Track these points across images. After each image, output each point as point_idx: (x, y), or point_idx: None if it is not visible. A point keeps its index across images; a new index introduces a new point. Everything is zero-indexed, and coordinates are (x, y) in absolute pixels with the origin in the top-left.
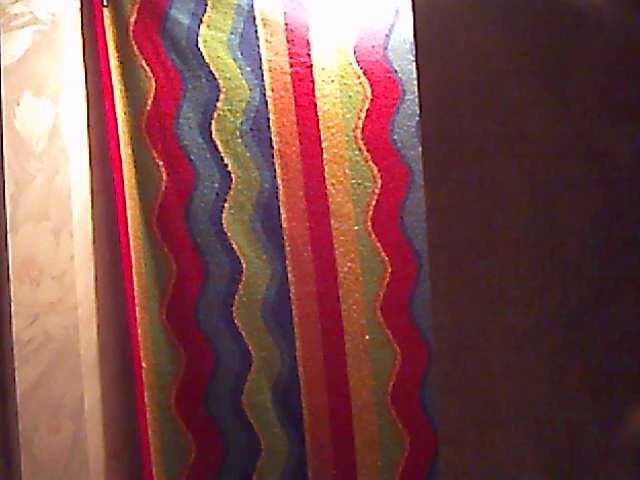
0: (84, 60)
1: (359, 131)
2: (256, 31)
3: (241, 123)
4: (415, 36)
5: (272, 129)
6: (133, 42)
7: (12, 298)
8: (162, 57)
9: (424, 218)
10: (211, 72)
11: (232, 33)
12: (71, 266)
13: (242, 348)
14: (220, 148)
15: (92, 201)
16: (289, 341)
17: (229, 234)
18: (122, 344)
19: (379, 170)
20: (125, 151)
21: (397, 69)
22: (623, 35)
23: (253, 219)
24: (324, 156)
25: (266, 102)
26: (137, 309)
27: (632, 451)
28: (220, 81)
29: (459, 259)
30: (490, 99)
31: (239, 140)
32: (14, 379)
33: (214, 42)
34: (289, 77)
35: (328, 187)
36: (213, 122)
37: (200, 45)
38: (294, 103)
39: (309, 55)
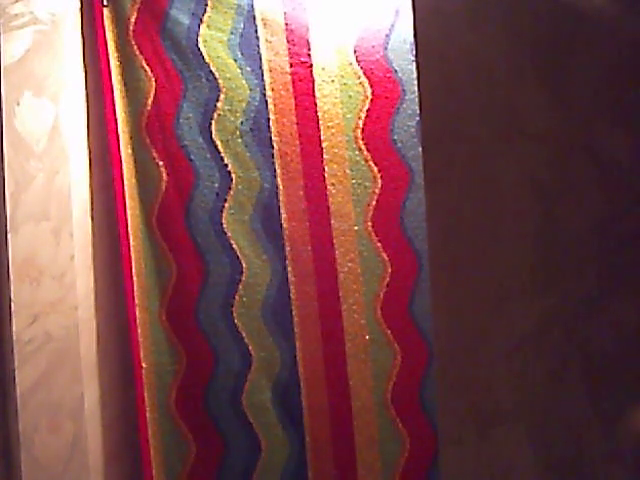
0: (84, 60)
1: (359, 131)
2: (256, 31)
3: (241, 123)
4: (415, 36)
5: (272, 129)
6: (133, 42)
7: (12, 298)
8: (162, 57)
9: (424, 218)
10: (211, 72)
11: (232, 33)
12: (71, 266)
13: (242, 348)
14: (220, 148)
15: (92, 201)
16: (289, 341)
17: (229, 234)
18: (122, 344)
19: (379, 170)
20: (125, 151)
21: (397, 69)
22: (623, 35)
23: (253, 219)
24: (324, 156)
25: (266, 102)
26: (137, 309)
27: (632, 451)
28: (220, 81)
29: (459, 259)
30: (490, 99)
31: (239, 140)
32: (14, 379)
33: (214, 42)
34: (289, 77)
35: (328, 187)
36: (213, 122)
37: (200, 45)
38: (294, 103)
39: (309, 55)
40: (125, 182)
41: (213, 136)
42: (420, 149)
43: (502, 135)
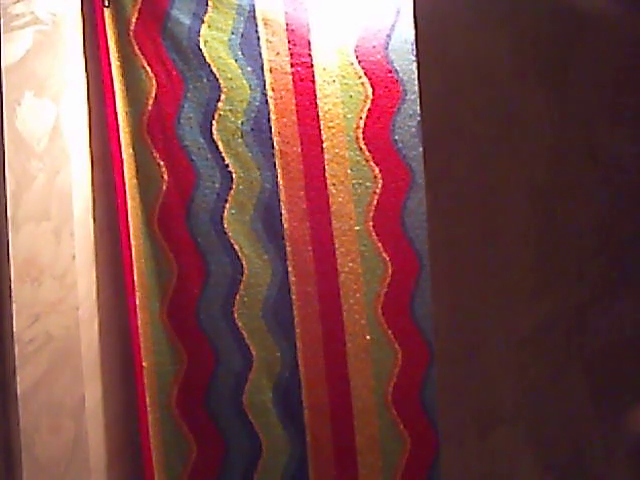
0: (85, 60)
1: (360, 131)
2: (257, 31)
3: (242, 123)
4: (416, 36)
5: (273, 129)
6: (134, 42)
7: (13, 298)
8: (163, 57)
9: (425, 218)
10: (212, 72)
11: (233, 33)
12: (72, 266)
13: (243, 348)
14: (221, 148)
15: (93, 201)
16: (290, 341)
17: (230, 234)
18: (123, 344)
19: (380, 170)
20: (126, 151)
21: (398, 69)
22: (624, 36)
23: (254, 219)
24: (325, 156)
25: (267, 102)
26: (138, 309)
27: (632, 451)
28: (221, 81)
29: (460, 259)
30: (491, 99)
31: (240, 140)
32: (15, 379)
33: (215, 42)
34: (290, 77)
35: (329, 187)
36: (214, 122)
37: (201, 45)
38: (295, 103)
39: (310, 55)
40: (126, 182)
41: (214, 136)
42: (421, 149)
43: (503, 135)
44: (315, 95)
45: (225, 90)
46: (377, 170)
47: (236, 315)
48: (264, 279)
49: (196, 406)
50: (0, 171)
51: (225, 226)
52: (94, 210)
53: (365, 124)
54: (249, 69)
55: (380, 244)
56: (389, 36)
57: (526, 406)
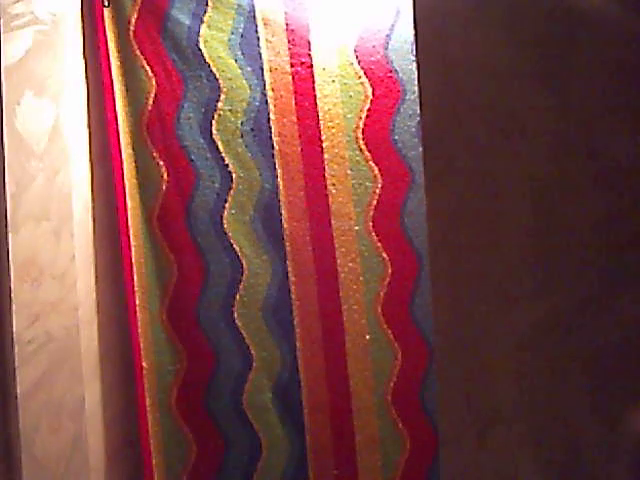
0: (85, 60)
1: (360, 131)
2: (257, 31)
3: (242, 123)
4: (415, 36)
5: (273, 129)
6: (134, 42)
7: (13, 298)
8: (163, 57)
9: (425, 218)
10: (212, 72)
11: (233, 33)
12: (72, 266)
13: (243, 348)
14: (221, 148)
15: (93, 201)
16: (290, 341)
17: (230, 234)
18: (123, 344)
19: (380, 170)
20: (126, 151)
21: (398, 69)
22: (624, 36)
23: (254, 219)
24: (325, 156)
25: (267, 102)
26: (138, 309)
27: (632, 451)
28: (221, 81)
29: (459, 259)
30: (490, 99)
31: (240, 140)
32: (15, 379)
33: (215, 42)
34: (290, 77)
35: (329, 187)
36: (214, 122)
37: (201, 45)
38: (295, 103)
39: (310, 55)
40: (126, 182)
41: (214, 136)
42: (421, 149)
43: (502, 135)
44: (315, 95)
45: (225, 90)
46: (377, 170)
47: (236, 315)
48: (264, 279)
49: (196, 406)
50: (0, 171)
51: (225, 226)
52: (94, 210)
53: (365, 124)
54: (249, 69)
55: (380, 244)
56: (389, 36)
57: (526, 406)
